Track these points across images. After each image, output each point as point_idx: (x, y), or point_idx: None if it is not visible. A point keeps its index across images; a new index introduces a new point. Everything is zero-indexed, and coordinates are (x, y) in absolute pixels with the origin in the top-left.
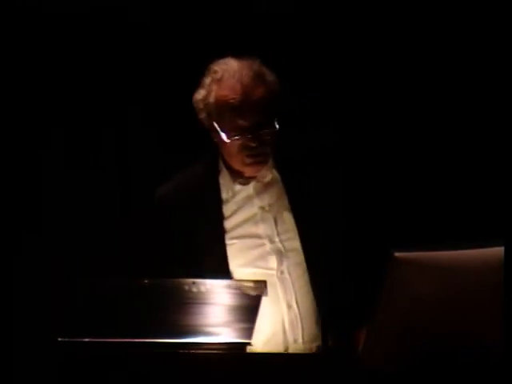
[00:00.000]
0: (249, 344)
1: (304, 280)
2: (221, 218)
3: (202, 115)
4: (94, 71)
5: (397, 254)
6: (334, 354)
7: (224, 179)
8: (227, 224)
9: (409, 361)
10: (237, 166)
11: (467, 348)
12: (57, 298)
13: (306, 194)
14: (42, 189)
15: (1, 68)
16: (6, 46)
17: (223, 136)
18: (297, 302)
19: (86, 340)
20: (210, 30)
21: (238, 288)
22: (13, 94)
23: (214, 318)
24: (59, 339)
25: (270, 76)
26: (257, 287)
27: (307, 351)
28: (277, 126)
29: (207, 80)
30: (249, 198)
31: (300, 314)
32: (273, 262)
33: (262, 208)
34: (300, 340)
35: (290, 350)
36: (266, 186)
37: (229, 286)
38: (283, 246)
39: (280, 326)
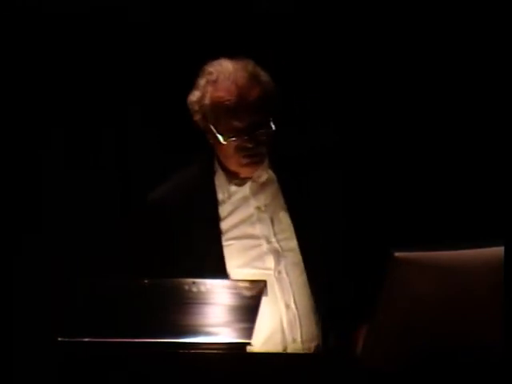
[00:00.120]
0: (249, 344)
1: (302, 279)
2: (217, 219)
3: (197, 117)
4: (94, 71)
5: (397, 254)
6: (334, 353)
7: (219, 180)
8: (223, 225)
9: (409, 361)
10: (233, 166)
11: (467, 348)
12: (57, 298)
13: (302, 193)
14: (42, 189)
15: (1, 68)
16: (6, 46)
17: (219, 138)
18: (295, 302)
19: (86, 340)
20: (210, 30)
21: (237, 288)
22: (13, 94)
23: (214, 318)
24: (59, 339)
25: (264, 76)
26: (256, 287)
27: (306, 350)
28: (273, 126)
29: (202, 81)
30: (245, 199)
31: (298, 313)
32: (270, 262)
33: (258, 208)
34: (299, 339)
35: (289, 350)
36: (262, 187)
37: (229, 286)
38: (280, 245)
39: (278, 325)
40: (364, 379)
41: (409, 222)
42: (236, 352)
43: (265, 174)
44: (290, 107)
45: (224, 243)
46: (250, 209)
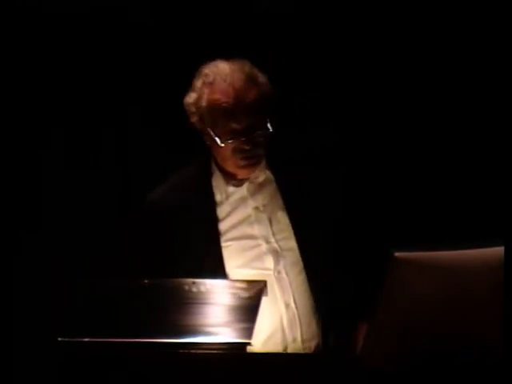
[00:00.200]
0: (249, 344)
1: (301, 279)
2: (215, 220)
3: (194, 118)
4: (94, 71)
5: (397, 254)
6: (334, 353)
7: (217, 181)
8: (222, 226)
9: (409, 361)
10: (230, 168)
11: (467, 348)
12: (57, 298)
13: (301, 193)
14: (42, 189)
15: (1, 68)
16: (6, 46)
17: (217, 140)
18: (295, 301)
19: (86, 340)
20: (210, 30)
21: (237, 288)
22: (13, 94)
23: (214, 318)
24: (59, 339)
25: (261, 77)
26: (256, 287)
27: (306, 350)
28: (270, 128)
29: (198, 83)
30: (243, 200)
31: (298, 312)
32: (269, 262)
33: (257, 208)
34: (299, 339)
35: (289, 349)
36: (260, 187)
37: (229, 286)
38: (279, 245)
39: (279, 325)
40: (364, 379)
41: (408, 222)
42: (236, 352)
43: (262, 175)
44: (289, 107)
45: (223, 244)
46: (248, 209)
